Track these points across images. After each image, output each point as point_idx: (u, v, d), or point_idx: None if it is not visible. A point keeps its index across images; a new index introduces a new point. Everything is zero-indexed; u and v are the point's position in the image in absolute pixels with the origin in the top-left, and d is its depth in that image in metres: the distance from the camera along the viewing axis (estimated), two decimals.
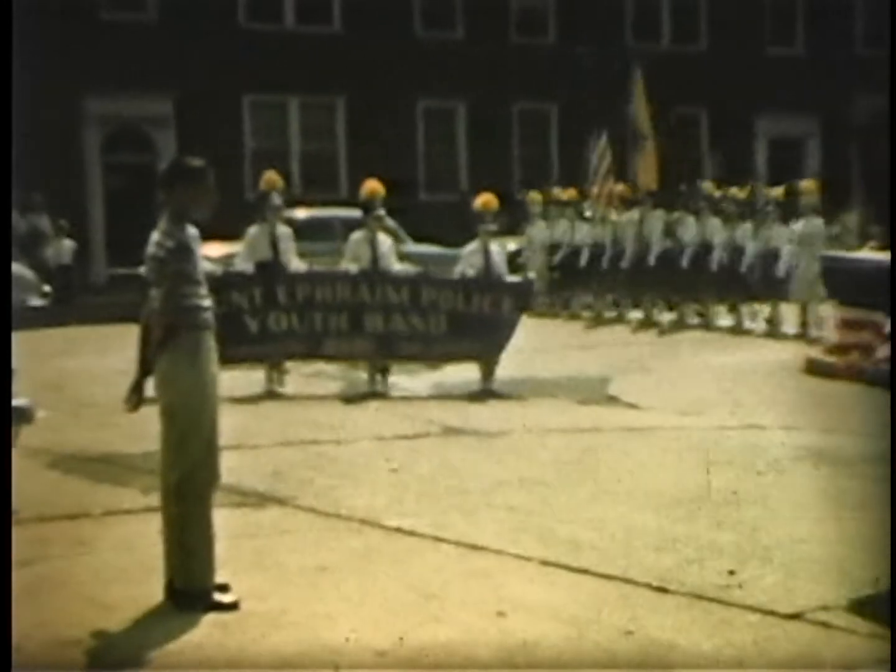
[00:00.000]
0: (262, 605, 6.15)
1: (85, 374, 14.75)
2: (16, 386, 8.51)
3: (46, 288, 23.25)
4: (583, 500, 8.46)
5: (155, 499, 6.47)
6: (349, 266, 13.74)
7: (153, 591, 6.19)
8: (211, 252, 13.60)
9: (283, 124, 31.65)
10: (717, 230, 20.75)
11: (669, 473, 9.31)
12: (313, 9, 31.37)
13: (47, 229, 25.76)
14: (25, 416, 8.46)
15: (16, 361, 8.53)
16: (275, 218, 13.97)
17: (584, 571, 6.74)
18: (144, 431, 6.32)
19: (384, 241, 13.89)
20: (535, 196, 23.69)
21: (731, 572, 6.66)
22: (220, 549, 6.25)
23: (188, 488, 6.12)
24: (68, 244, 25.76)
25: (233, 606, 6.08)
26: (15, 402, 8.41)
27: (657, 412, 12.35)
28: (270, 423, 11.74)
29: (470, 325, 13.60)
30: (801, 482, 9.05)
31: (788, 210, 20.23)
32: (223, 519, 6.51)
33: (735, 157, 34.58)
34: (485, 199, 14.60)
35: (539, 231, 23.35)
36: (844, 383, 13.88)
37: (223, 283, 12.91)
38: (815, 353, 15.57)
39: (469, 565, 6.92)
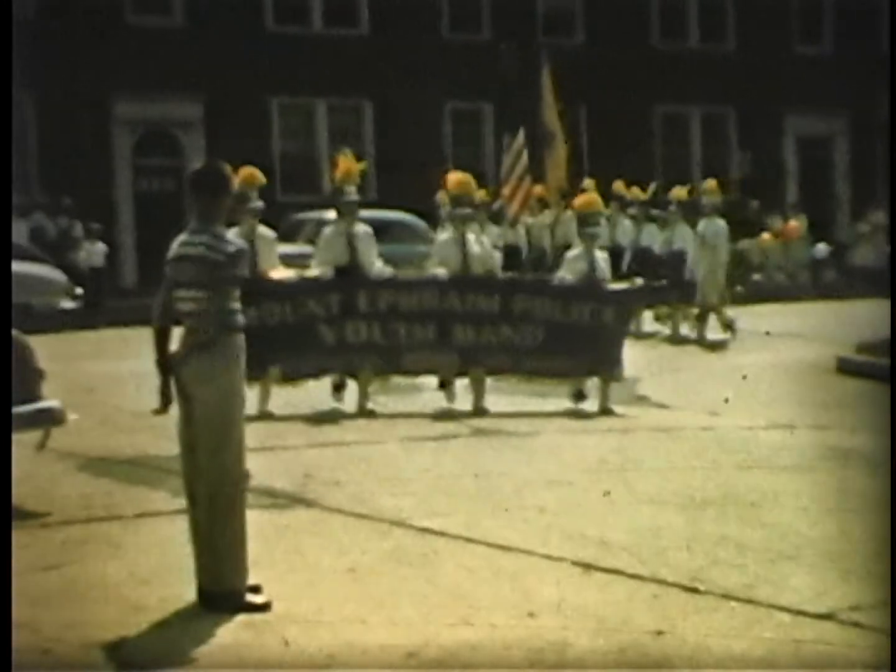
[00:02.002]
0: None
1: (115, 376, 14.76)
2: (46, 388, 8.59)
3: (78, 290, 23.31)
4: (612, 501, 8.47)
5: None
6: (437, 271, 12.49)
7: (185, 593, 6.21)
8: None
9: (311, 127, 31.67)
10: (627, 232, 20.39)
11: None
12: (340, 11, 31.39)
13: (78, 232, 25.84)
14: (56, 418, 8.50)
15: (46, 364, 8.63)
16: (352, 216, 12.43)
17: (615, 572, 6.74)
18: (174, 434, 6.33)
19: (475, 241, 12.73)
20: (443, 197, 21.49)
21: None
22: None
23: (222, 491, 6.12)
24: (100, 247, 25.81)
25: (265, 608, 6.10)
26: (46, 403, 8.49)
27: None
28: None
29: (566, 338, 12.26)
30: (830, 481, 9.02)
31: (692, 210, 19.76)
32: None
33: (764, 155, 34.50)
34: (588, 199, 13.15)
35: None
36: (874, 382, 13.82)
37: (297, 290, 12.22)
38: (846, 352, 15.48)
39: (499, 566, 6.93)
